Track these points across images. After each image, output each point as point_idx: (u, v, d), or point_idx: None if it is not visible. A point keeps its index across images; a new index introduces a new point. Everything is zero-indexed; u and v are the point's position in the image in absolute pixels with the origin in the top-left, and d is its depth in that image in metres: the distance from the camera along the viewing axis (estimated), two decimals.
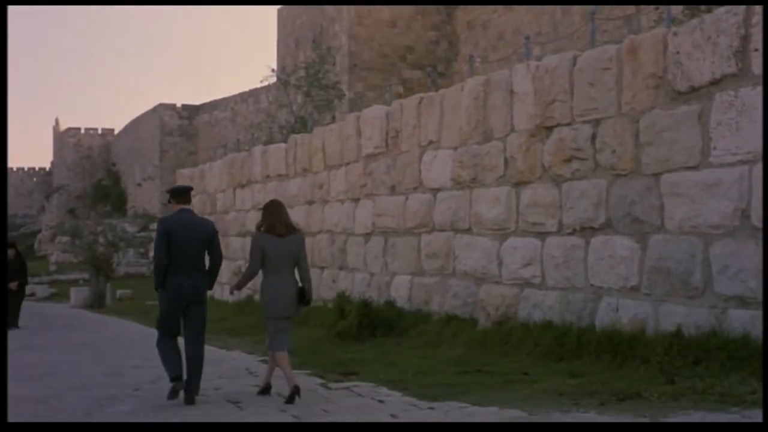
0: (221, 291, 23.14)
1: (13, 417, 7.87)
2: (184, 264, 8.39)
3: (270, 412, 7.72)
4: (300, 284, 8.68)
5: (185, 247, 8.41)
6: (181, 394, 8.34)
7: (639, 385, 7.67)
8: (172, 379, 8.34)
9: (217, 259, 8.79)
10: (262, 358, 11.90)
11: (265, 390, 8.74)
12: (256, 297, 19.89)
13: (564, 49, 16.53)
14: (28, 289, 24.30)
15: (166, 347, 8.55)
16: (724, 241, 8.34)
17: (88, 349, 14.05)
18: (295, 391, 8.10)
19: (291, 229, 8.67)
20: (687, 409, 6.72)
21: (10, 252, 19.44)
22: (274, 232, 8.54)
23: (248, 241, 21.02)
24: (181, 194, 8.87)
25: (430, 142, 13.36)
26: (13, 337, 16.49)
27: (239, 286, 8.91)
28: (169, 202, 8.96)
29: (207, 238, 8.68)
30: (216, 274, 8.81)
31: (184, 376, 8.41)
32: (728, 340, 8.01)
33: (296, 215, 18.17)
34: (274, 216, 8.64)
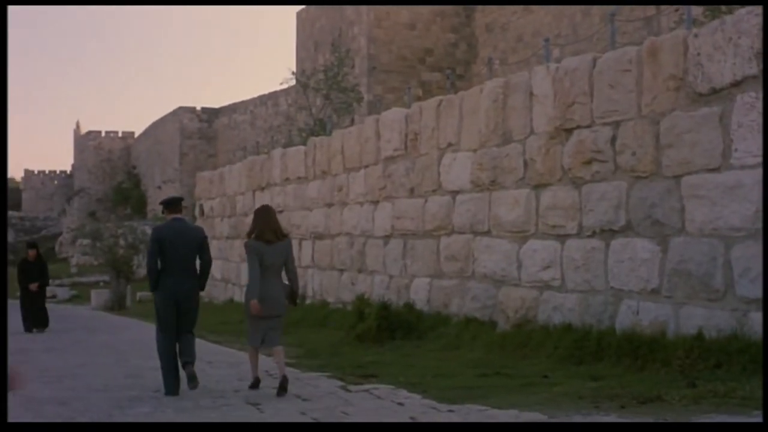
0: (241, 293, 23.22)
1: (35, 419, 7.93)
2: (177, 268, 9.17)
3: (290, 414, 7.73)
4: (288, 284, 9.34)
5: (178, 253, 9.17)
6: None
7: (660, 388, 7.63)
8: (167, 394, 9.12)
9: (207, 263, 9.55)
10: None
11: (255, 384, 9.32)
12: None
13: (584, 50, 16.47)
14: (49, 290, 23.88)
15: (169, 359, 9.32)
16: (746, 244, 8.28)
17: (109, 351, 14.12)
18: (285, 381, 8.78)
19: (279, 236, 9.20)
20: (708, 413, 6.68)
21: (31, 253, 19.08)
22: (263, 239, 9.06)
23: None
24: (173, 204, 9.66)
25: (449, 145, 13.36)
26: (34, 339, 16.62)
27: (253, 295, 9.05)
28: (163, 212, 9.71)
29: (198, 244, 9.44)
30: (206, 276, 9.55)
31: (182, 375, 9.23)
32: (750, 344, 7.96)
33: (315, 218, 18.22)
34: (263, 223, 9.15)
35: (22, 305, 18.53)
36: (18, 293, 18.90)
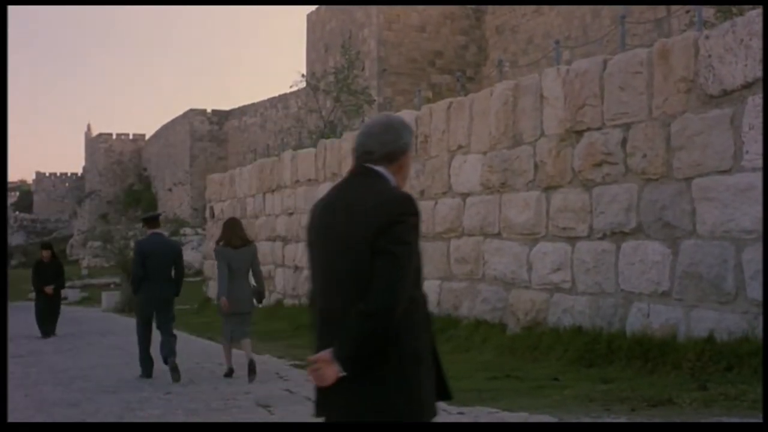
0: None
1: (46, 419, 7.97)
2: (156, 275, 10.73)
3: (300, 416, 7.74)
4: (255, 285, 10.76)
5: (157, 263, 10.73)
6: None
7: (670, 391, 7.61)
8: (142, 376, 10.74)
9: (180, 272, 11.16)
10: (292, 362, 11.94)
11: (229, 373, 10.53)
12: (286, 301, 20.08)
13: (594, 53, 16.41)
14: (61, 293, 22.16)
15: (144, 349, 10.83)
16: (756, 246, 8.25)
17: (119, 352, 14.16)
18: (253, 367, 10.13)
19: (245, 242, 10.75)
20: (719, 416, 6.67)
21: (45, 254, 18.20)
22: (231, 245, 10.53)
23: (278, 245, 21.16)
24: (153, 220, 11.45)
25: (460, 147, 13.35)
26: (45, 341, 16.66)
27: (222, 293, 10.49)
28: (143, 227, 11.52)
29: (174, 256, 11.11)
30: (180, 282, 11.13)
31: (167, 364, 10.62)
32: (760, 346, 7.92)
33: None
34: (231, 232, 10.73)
35: (37, 309, 17.92)
36: (29, 295, 18.90)
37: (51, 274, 17.83)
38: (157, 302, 10.82)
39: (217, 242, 10.78)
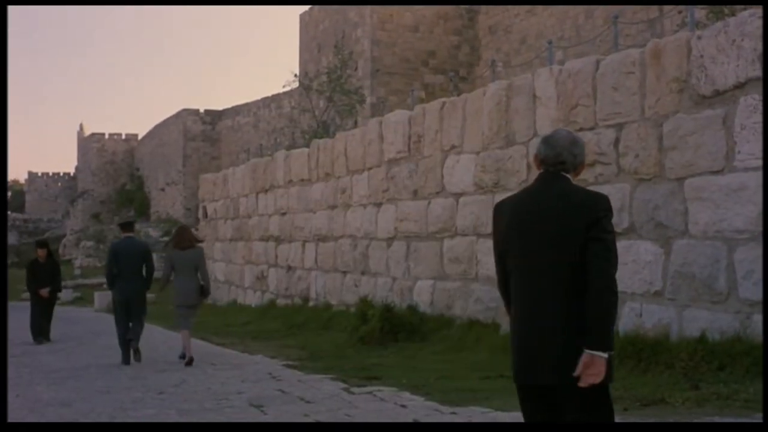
0: (244, 295, 23.25)
1: (39, 419, 7.95)
2: (128, 273, 12.31)
3: (293, 416, 7.75)
4: (201, 283, 12.40)
5: (128, 262, 12.34)
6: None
7: (663, 390, 7.63)
8: (123, 364, 12.05)
9: (150, 269, 12.66)
10: (285, 362, 11.95)
11: (189, 362, 11.76)
12: (279, 301, 20.08)
13: (587, 53, 16.44)
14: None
15: (123, 337, 12.27)
16: (749, 246, 8.28)
17: (112, 352, 14.10)
18: (190, 360, 11.70)
19: (191, 245, 12.55)
20: (712, 415, 6.69)
21: (41, 252, 16.53)
22: (180, 247, 12.41)
23: (271, 245, 21.18)
24: (127, 225, 13.27)
25: (453, 147, 13.36)
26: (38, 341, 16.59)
27: (162, 287, 13.49)
28: (120, 231, 13.40)
29: (143, 256, 12.62)
30: (150, 279, 12.64)
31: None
32: (753, 346, 7.95)
33: (318, 220, 18.24)
34: (180, 237, 12.69)
35: (32, 314, 16.29)
36: (22, 296, 18.67)
37: (47, 274, 16.34)
38: (129, 295, 12.34)
39: (167, 244, 12.69)
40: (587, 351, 3.72)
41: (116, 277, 12.38)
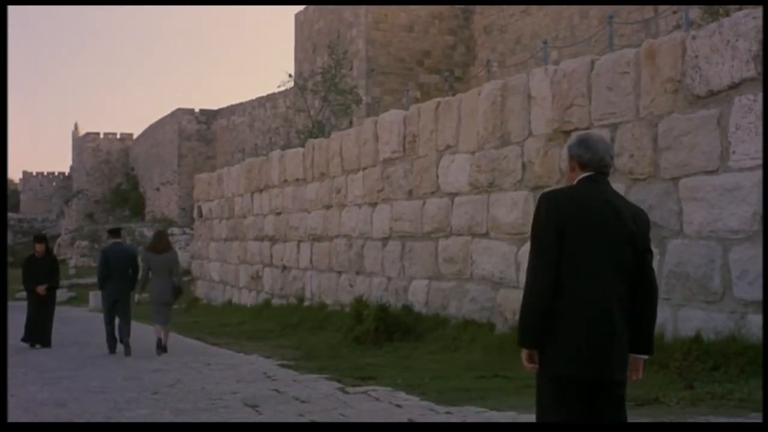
0: (239, 295, 23.23)
1: (33, 419, 7.93)
2: (117, 275, 13.59)
3: (288, 416, 7.74)
4: (175, 283, 13.74)
5: (117, 265, 13.61)
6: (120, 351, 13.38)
7: (657, 390, 7.64)
8: (110, 353, 13.55)
9: (136, 271, 13.95)
10: (280, 362, 11.94)
11: (161, 347, 13.33)
12: (274, 301, 20.07)
13: (582, 53, 16.45)
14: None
15: (109, 331, 13.71)
16: (743, 246, 8.30)
17: (107, 353, 14.12)
18: (163, 349, 13.29)
19: (166, 249, 13.89)
20: (706, 415, 6.69)
21: (39, 248, 15.46)
22: (154, 251, 13.81)
23: (266, 245, 21.17)
24: (115, 232, 14.77)
25: (448, 147, 13.37)
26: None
27: (142, 287, 14.18)
28: (108, 237, 14.92)
29: (130, 260, 13.88)
30: (135, 281, 13.95)
31: (120, 347, 13.58)
32: (747, 346, 7.97)
33: (313, 219, 18.24)
34: (157, 241, 14.19)
35: (28, 313, 15.18)
36: (16, 295, 18.38)
37: (45, 271, 15.11)
38: (118, 296, 13.59)
39: (145, 248, 14.61)
40: (639, 354, 4.08)
41: (107, 279, 13.66)
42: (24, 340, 14.92)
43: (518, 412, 7.28)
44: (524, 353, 4.04)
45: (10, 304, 24.49)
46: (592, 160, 4.16)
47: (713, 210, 8.64)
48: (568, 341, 3.92)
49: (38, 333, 14.94)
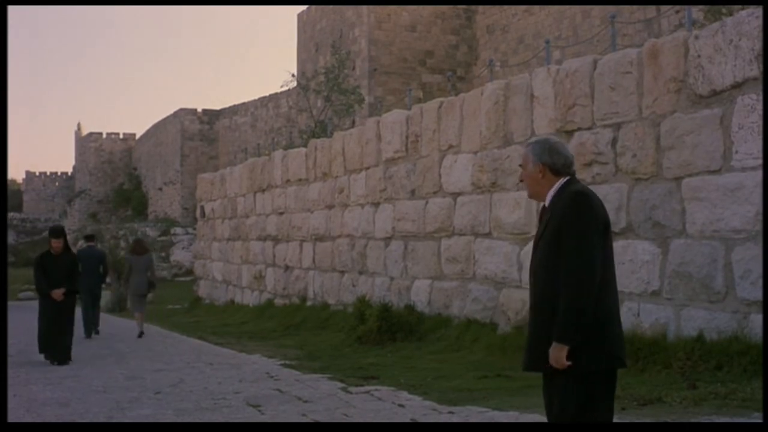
0: (242, 295, 23.23)
1: (35, 419, 7.94)
2: (88, 271, 16.74)
3: (291, 416, 7.74)
4: (150, 279, 17.60)
5: (88, 264, 16.77)
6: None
7: (660, 390, 7.63)
8: (86, 338, 16.77)
9: (105, 269, 18.04)
10: (282, 362, 11.94)
11: (138, 333, 16.77)
12: (277, 301, 20.06)
13: (584, 52, 16.44)
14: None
15: (85, 321, 17.19)
16: (746, 246, 8.28)
17: (109, 352, 14.12)
18: (141, 334, 16.77)
19: (144, 252, 17.81)
20: (709, 414, 6.69)
21: (56, 243, 12.76)
22: (136, 254, 17.69)
23: (269, 244, 21.16)
24: (90, 237, 19.21)
25: (450, 147, 13.36)
26: (34, 341, 16.56)
27: (126, 281, 18.03)
28: (84, 242, 18.46)
29: (99, 260, 17.69)
30: (105, 278, 18.22)
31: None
32: (750, 345, 7.96)
33: (316, 219, 18.23)
34: (137, 246, 18.22)
35: (41, 323, 12.68)
36: (18, 295, 18.32)
37: (63, 272, 12.67)
38: (89, 286, 17.10)
39: (128, 251, 20.01)
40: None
41: (80, 275, 14.51)
42: (45, 354, 12.70)
43: (520, 412, 7.28)
44: (564, 350, 4.07)
45: (12, 304, 24.55)
46: (565, 165, 4.37)
47: (716, 210, 8.63)
48: (617, 334, 4.24)
49: (54, 348, 12.55)
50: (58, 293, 12.50)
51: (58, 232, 13.09)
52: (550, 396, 4.27)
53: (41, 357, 12.71)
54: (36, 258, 13.30)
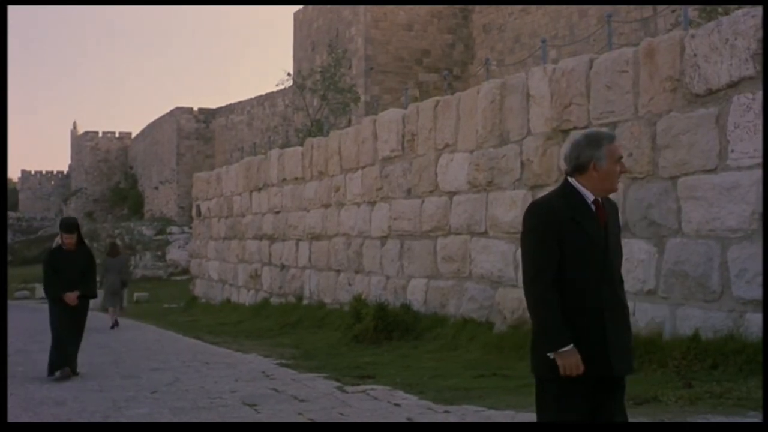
0: (238, 294, 23.22)
1: (32, 418, 7.93)
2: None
3: (287, 415, 7.74)
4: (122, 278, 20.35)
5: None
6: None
7: (656, 389, 7.64)
8: None
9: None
10: (278, 361, 11.94)
11: (111, 325, 19.05)
12: (273, 300, 20.05)
13: (580, 52, 16.45)
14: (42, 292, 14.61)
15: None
16: (742, 245, 8.30)
17: (105, 351, 14.12)
18: (115, 323, 19.19)
19: (118, 254, 21.03)
20: (705, 414, 6.70)
21: (68, 239, 11.01)
22: (110, 255, 20.57)
23: (265, 243, 21.15)
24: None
25: (447, 146, 13.37)
26: (32, 340, 16.55)
27: (101, 281, 18.88)
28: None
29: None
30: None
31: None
32: (746, 344, 7.97)
33: (312, 218, 18.24)
34: (111, 249, 21.21)
35: (54, 329, 10.87)
36: (14, 294, 18.15)
37: (76, 271, 10.95)
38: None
39: (106, 254, 21.57)
40: None
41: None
42: (52, 371, 10.77)
43: (517, 411, 7.29)
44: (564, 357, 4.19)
45: (10, 303, 24.51)
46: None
47: (712, 209, 8.64)
48: (586, 342, 4.39)
49: (66, 355, 10.85)
50: (71, 297, 10.78)
51: (71, 225, 11.15)
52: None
53: (55, 376, 10.69)
54: (45, 255, 11.64)
